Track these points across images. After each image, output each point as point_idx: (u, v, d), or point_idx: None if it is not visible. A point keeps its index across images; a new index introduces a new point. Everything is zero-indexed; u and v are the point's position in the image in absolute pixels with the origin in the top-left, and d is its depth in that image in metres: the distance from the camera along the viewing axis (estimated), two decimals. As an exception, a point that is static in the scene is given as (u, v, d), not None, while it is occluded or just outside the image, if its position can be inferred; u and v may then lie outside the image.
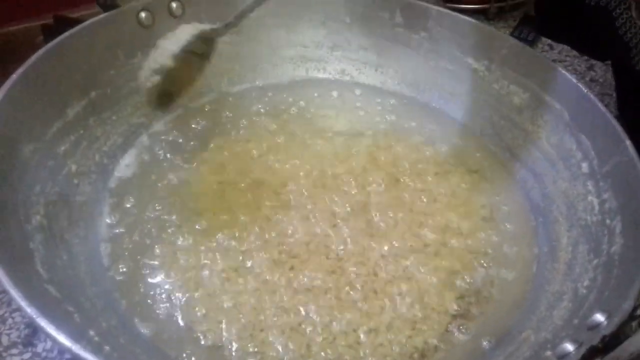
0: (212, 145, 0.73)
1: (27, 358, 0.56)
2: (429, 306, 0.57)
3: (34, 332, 0.58)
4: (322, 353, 0.53)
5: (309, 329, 0.55)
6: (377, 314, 0.56)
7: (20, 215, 0.52)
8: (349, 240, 0.63)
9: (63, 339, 0.39)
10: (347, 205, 0.66)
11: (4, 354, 0.56)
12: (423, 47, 0.77)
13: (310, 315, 0.56)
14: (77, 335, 0.40)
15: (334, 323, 0.55)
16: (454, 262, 0.61)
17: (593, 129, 0.61)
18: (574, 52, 0.99)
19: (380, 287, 0.58)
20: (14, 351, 0.56)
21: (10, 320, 0.59)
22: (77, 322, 0.47)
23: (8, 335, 0.57)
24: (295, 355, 0.53)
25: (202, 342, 0.54)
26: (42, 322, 0.40)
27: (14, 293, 0.41)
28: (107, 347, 0.45)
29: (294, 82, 0.85)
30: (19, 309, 0.58)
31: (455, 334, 0.56)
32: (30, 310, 0.40)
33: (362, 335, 0.55)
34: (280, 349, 0.53)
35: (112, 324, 0.51)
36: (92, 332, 0.45)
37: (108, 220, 0.63)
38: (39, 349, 0.56)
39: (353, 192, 0.68)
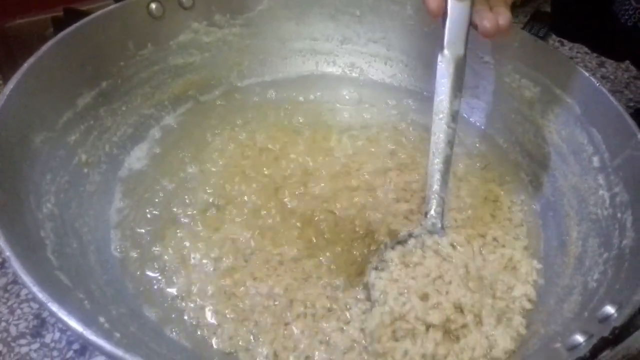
0: (221, 138, 0.73)
1: (35, 348, 0.57)
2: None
3: (42, 323, 0.58)
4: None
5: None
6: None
7: (32, 203, 0.52)
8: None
9: (75, 324, 0.39)
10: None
11: (13, 344, 0.56)
12: (434, 39, 0.76)
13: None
14: (88, 321, 0.40)
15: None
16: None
17: (604, 123, 0.61)
18: (585, 49, 0.99)
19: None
20: (23, 341, 0.57)
21: (19, 311, 0.59)
22: (87, 308, 0.47)
23: (17, 325, 0.58)
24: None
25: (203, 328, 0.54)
26: (54, 307, 0.40)
27: (26, 279, 0.41)
28: (117, 334, 0.45)
29: (303, 75, 0.84)
30: (27, 300, 0.59)
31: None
32: (42, 296, 0.40)
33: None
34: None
35: (122, 311, 0.52)
36: (102, 319, 0.46)
37: (118, 206, 0.63)
38: (47, 339, 0.57)
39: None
